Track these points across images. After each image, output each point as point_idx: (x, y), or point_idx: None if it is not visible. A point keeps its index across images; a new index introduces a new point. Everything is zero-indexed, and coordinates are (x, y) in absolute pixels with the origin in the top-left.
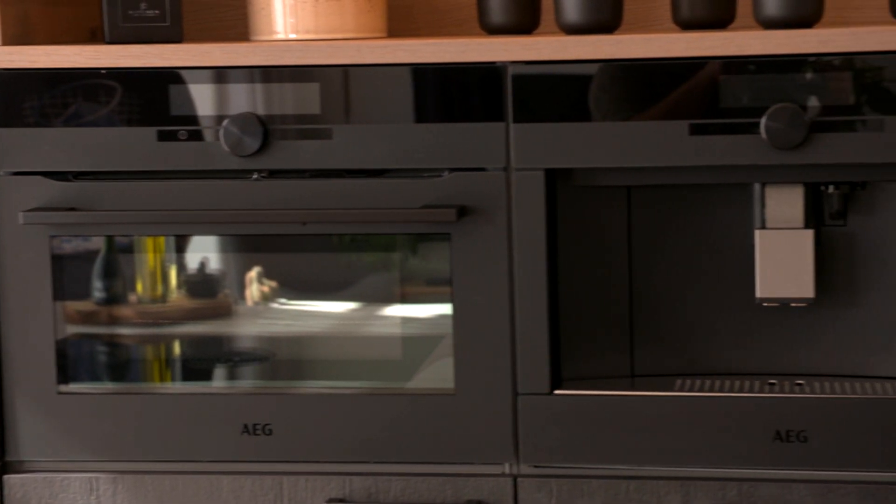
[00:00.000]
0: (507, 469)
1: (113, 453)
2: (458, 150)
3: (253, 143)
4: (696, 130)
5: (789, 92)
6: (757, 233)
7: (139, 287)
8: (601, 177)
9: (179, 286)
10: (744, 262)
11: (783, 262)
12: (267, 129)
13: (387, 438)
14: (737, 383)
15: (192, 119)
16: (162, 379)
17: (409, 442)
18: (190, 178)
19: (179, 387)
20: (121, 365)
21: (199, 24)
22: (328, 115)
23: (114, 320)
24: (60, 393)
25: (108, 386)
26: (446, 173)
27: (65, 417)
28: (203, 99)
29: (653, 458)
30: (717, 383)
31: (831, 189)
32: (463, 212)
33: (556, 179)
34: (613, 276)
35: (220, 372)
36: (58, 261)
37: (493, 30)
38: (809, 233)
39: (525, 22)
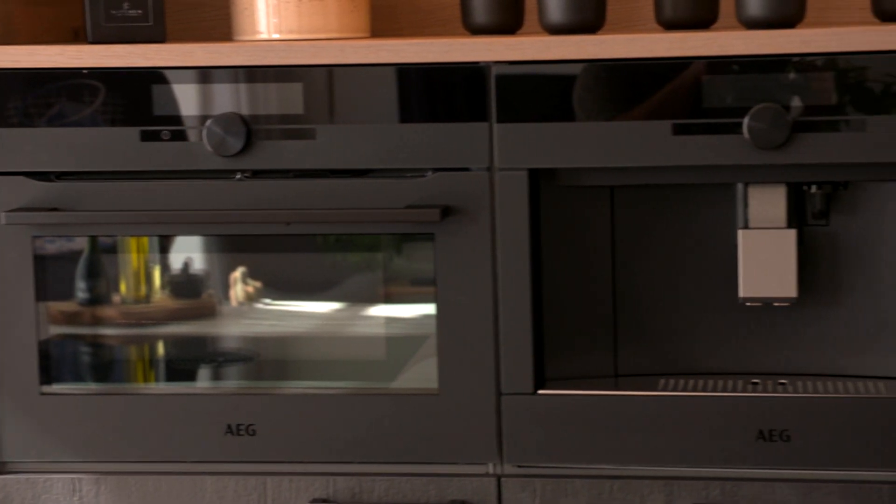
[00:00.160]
0: (490, 469)
1: (96, 454)
2: (441, 150)
3: (236, 143)
4: (679, 130)
5: (772, 92)
6: (740, 232)
7: (123, 287)
8: (585, 177)
9: (163, 286)
10: (727, 261)
11: (766, 262)
12: (250, 129)
13: (371, 438)
14: (720, 383)
15: (176, 119)
16: (146, 379)
17: (393, 442)
18: (173, 179)
19: (163, 387)
20: (104, 365)
21: (182, 24)
22: (312, 115)
23: (97, 321)
24: (43, 394)
25: (92, 386)
26: (430, 173)
27: (48, 418)
28: (186, 99)
29: (636, 458)
30: (701, 383)
31: (814, 189)
32: (447, 212)
33: (539, 179)
34: (597, 275)
35: (204, 372)
36: (40, 261)
37: (476, 30)
38: (792, 232)
39: (509, 22)
